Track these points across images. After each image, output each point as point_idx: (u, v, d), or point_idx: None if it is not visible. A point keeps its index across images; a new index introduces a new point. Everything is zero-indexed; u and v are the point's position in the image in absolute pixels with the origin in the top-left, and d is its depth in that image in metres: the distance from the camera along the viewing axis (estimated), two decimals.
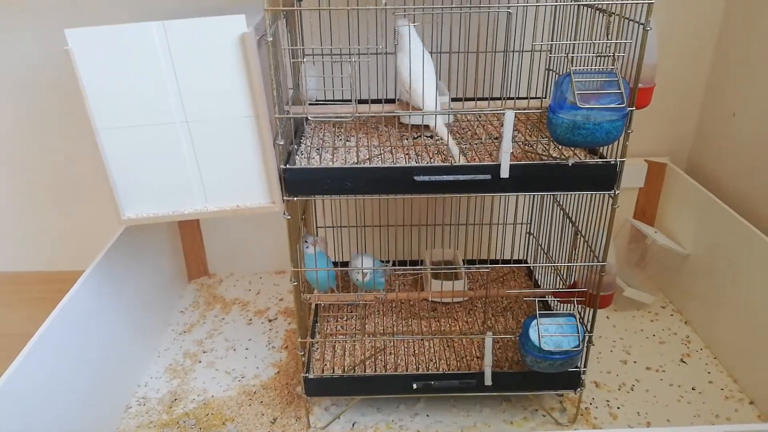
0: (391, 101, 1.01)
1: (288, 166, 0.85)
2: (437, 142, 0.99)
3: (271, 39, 0.77)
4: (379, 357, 1.07)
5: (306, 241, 1.03)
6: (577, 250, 1.03)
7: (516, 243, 1.33)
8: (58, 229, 1.47)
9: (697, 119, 1.39)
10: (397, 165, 0.88)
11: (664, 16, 1.25)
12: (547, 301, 1.20)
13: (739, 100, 1.24)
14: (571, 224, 1.05)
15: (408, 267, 1.15)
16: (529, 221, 1.31)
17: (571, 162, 0.84)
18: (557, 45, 1.01)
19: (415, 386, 1.00)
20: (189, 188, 0.85)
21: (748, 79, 1.21)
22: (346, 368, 1.03)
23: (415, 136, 1.02)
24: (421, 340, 1.10)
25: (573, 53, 0.82)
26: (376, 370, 1.03)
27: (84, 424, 0.95)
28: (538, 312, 0.94)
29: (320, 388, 1.02)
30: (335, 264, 1.20)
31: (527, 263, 1.34)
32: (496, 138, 1.00)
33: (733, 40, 1.26)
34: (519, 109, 0.86)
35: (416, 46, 0.88)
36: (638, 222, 1.39)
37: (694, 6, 1.27)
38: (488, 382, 0.99)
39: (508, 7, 0.78)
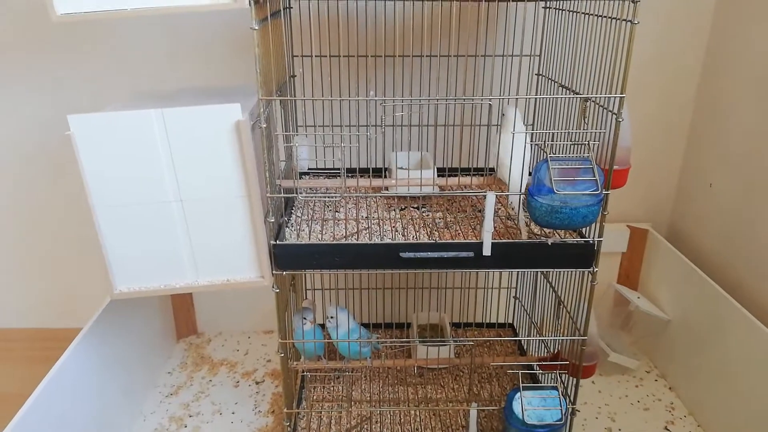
0: (378, 170, 1.05)
1: (278, 242, 0.88)
2: (423, 214, 1.03)
3: (264, 126, 0.81)
4: (366, 426, 1.07)
5: (305, 318, 1.05)
6: (560, 320, 1.05)
7: (502, 306, 1.35)
8: (49, 287, 1.48)
9: (676, 187, 1.44)
10: (384, 242, 0.91)
11: (641, 89, 1.31)
12: (532, 366, 1.21)
13: (715, 171, 1.29)
14: (554, 293, 1.07)
15: (394, 340, 1.17)
16: (515, 286, 1.34)
17: (550, 242, 0.88)
18: (537, 133, 1.06)
19: None
20: (180, 263, 0.87)
21: (723, 151, 1.26)
22: None
23: (402, 208, 1.06)
24: (407, 410, 1.11)
25: (550, 141, 0.86)
26: None
27: None
28: (521, 385, 0.96)
29: None
30: (322, 328, 1.22)
31: (513, 326, 1.36)
32: (480, 210, 1.04)
33: (708, 112, 1.32)
34: (500, 192, 0.90)
35: (519, 130, 0.89)
36: (622, 287, 1.41)
37: (670, 85, 1.34)
38: None
39: (490, 99, 0.83)
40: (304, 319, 1.06)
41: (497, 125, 1.07)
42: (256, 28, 0.76)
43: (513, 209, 1.01)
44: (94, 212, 0.83)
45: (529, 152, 0.88)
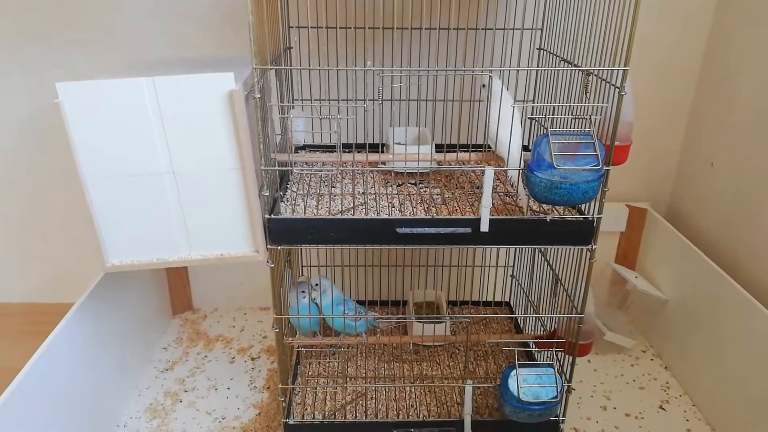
0: (375, 146, 1.03)
1: (272, 216, 0.87)
2: (420, 190, 1.01)
3: (258, 96, 0.79)
4: (360, 402, 1.07)
5: (303, 291, 1.04)
6: (557, 298, 1.04)
7: (499, 285, 1.34)
8: (41, 260, 1.47)
9: (676, 167, 1.43)
10: (380, 217, 0.89)
11: (644, 67, 1.29)
12: (528, 344, 1.21)
13: (716, 151, 1.27)
14: (551, 272, 1.06)
15: (390, 316, 1.16)
16: (512, 264, 1.33)
17: (549, 218, 0.86)
18: (537, 107, 1.04)
19: None
20: (174, 237, 0.86)
21: (725, 131, 1.24)
22: (326, 414, 1.04)
23: (399, 184, 1.04)
24: (402, 386, 1.11)
25: (551, 114, 0.85)
26: (356, 416, 1.03)
27: None
28: (517, 362, 0.95)
29: None
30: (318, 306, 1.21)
31: (510, 305, 1.36)
32: (479, 186, 1.02)
33: (709, 92, 1.30)
34: (499, 168, 0.89)
35: (507, 102, 0.88)
36: (620, 266, 1.41)
37: (673, 61, 1.31)
38: (468, 430, 1.00)
39: (490, 71, 0.81)
40: (303, 292, 1.05)
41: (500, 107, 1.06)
42: None
43: (512, 185, 0.99)
44: (84, 184, 0.81)
45: (519, 126, 0.87)
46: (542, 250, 1.13)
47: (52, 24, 1.24)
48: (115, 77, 0.80)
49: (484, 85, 0.89)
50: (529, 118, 1.13)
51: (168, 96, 0.77)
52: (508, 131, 0.86)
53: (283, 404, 1.00)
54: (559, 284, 1.03)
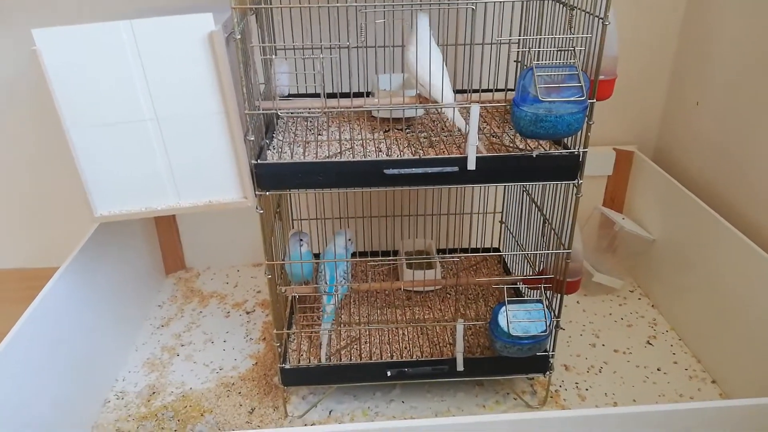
0: (361, 95, 1.03)
1: (259, 161, 0.87)
2: (408, 134, 1.01)
3: (239, 37, 0.78)
4: (355, 346, 1.09)
5: (301, 240, 1.05)
6: (545, 238, 1.06)
7: (488, 231, 1.35)
8: (34, 226, 1.46)
9: (662, 108, 1.43)
10: (367, 159, 0.89)
11: (629, 8, 1.28)
12: (518, 287, 1.23)
13: (701, 89, 1.27)
14: (539, 213, 1.08)
15: (378, 258, 1.17)
16: (501, 210, 1.34)
17: (535, 153, 0.87)
18: (521, 40, 1.03)
19: (389, 373, 1.03)
20: (161, 185, 0.86)
21: (709, 69, 1.24)
22: (322, 358, 1.05)
23: (386, 130, 1.04)
24: (395, 328, 1.13)
25: (535, 47, 0.84)
26: (351, 359, 1.06)
27: (62, 419, 0.96)
28: (506, 299, 0.97)
29: (297, 378, 1.04)
30: (315, 256, 1.22)
31: (499, 251, 1.38)
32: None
33: (694, 32, 1.29)
34: (484, 103, 0.89)
35: (430, 41, 0.87)
36: (607, 209, 1.42)
37: (658, 1, 1.30)
38: (460, 368, 1.02)
39: (474, 4, 0.80)
40: (301, 240, 1.06)
41: (478, 44, 1.05)
42: None
43: (457, 127, 0.98)
44: (67, 134, 0.80)
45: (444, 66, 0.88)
46: (529, 192, 1.14)
47: None
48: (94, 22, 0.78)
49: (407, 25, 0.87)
50: (515, 62, 1.13)
51: (147, 39, 0.76)
52: (439, 73, 0.86)
53: (279, 350, 1.02)
54: (546, 224, 1.04)
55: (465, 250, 1.39)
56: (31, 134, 1.34)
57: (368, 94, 1.13)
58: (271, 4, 0.99)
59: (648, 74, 1.38)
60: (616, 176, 1.45)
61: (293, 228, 1.31)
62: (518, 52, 1.10)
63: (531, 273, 1.15)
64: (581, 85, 0.79)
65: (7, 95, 1.30)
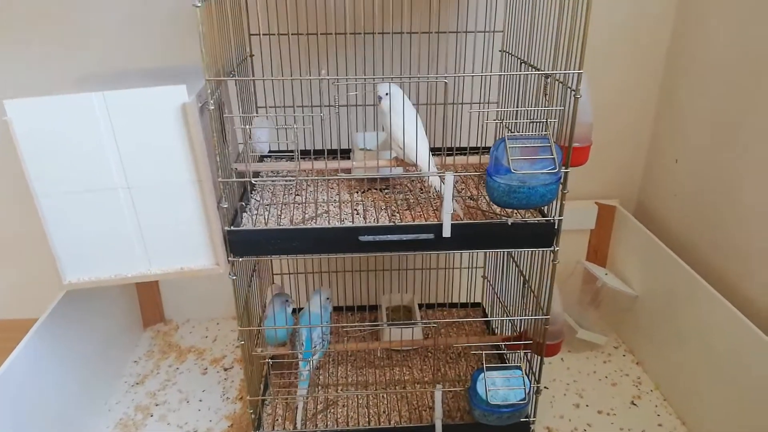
0: (343, 151, 1.03)
1: (233, 227, 0.86)
2: (385, 195, 1.01)
3: (213, 108, 0.78)
4: (332, 410, 1.06)
5: (287, 301, 1.04)
6: (525, 299, 1.05)
7: (471, 286, 1.34)
8: (9, 277, 1.44)
9: (644, 164, 1.44)
10: (343, 225, 0.89)
11: (611, 72, 1.30)
12: (500, 345, 1.21)
13: (680, 148, 1.29)
14: (519, 273, 1.07)
15: (355, 324, 1.15)
16: (483, 265, 1.33)
17: (510, 221, 0.86)
18: (499, 111, 1.04)
19: None
20: (132, 252, 0.84)
21: (689, 128, 1.26)
22: (297, 424, 1.03)
23: (365, 190, 1.03)
24: (374, 393, 1.10)
25: (512, 119, 0.85)
26: (327, 425, 1.03)
27: None
28: (485, 365, 0.95)
29: None
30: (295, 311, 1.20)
31: (482, 306, 1.36)
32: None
33: (674, 93, 1.31)
34: (459, 172, 0.89)
35: (403, 103, 0.89)
36: (590, 264, 1.42)
37: (637, 60, 1.32)
38: None
39: (446, 77, 0.80)
40: (287, 302, 1.05)
41: (455, 103, 1.06)
42: (199, 5, 0.73)
43: (434, 188, 0.99)
44: (36, 200, 0.80)
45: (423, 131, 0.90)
46: (511, 253, 1.13)
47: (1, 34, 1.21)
48: (66, 92, 0.78)
49: (381, 97, 0.90)
50: (493, 121, 1.14)
51: (119, 111, 0.76)
52: (413, 138, 0.88)
53: (252, 416, 0.99)
54: (526, 286, 1.03)
55: (450, 305, 1.37)
56: (3, 187, 1.33)
57: (348, 151, 1.13)
58: (253, 72, 1.00)
59: (630, 131, 1.40)
60: (599, 230, 1.45)
61: (273, 282, 1.29)
62: (495, 120, 1.11)
63: (512, 332, 1.13)
64: (554, 157, 0.79)
65: None
